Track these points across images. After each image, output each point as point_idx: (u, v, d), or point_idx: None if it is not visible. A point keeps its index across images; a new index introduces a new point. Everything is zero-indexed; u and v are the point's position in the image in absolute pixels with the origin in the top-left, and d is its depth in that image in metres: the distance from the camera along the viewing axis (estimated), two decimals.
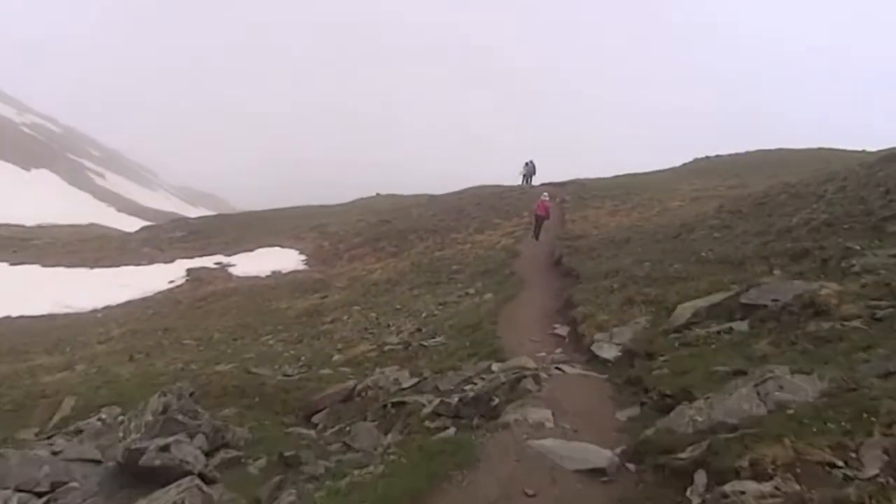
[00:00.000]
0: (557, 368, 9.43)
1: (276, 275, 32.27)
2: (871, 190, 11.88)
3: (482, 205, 37.57)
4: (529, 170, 41.38)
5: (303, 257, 35.49)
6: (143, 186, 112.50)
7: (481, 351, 11.23)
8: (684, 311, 10.19)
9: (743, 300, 9.36)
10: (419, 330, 15.36)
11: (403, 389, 10.17)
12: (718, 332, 9.15)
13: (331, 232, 39.49)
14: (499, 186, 43.61)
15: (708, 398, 6.43)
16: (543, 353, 10.93)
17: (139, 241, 41.27)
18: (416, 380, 10.39)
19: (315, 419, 10.11)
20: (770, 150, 40.65)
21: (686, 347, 9.10)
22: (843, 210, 11.41)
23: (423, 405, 9.01)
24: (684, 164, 42.44)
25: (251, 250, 38.01)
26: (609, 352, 9.88)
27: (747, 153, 40.98)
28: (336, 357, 14.36)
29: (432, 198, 44.51)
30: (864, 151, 33.44)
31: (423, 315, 18.73)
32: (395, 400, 9.43)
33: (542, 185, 39.83)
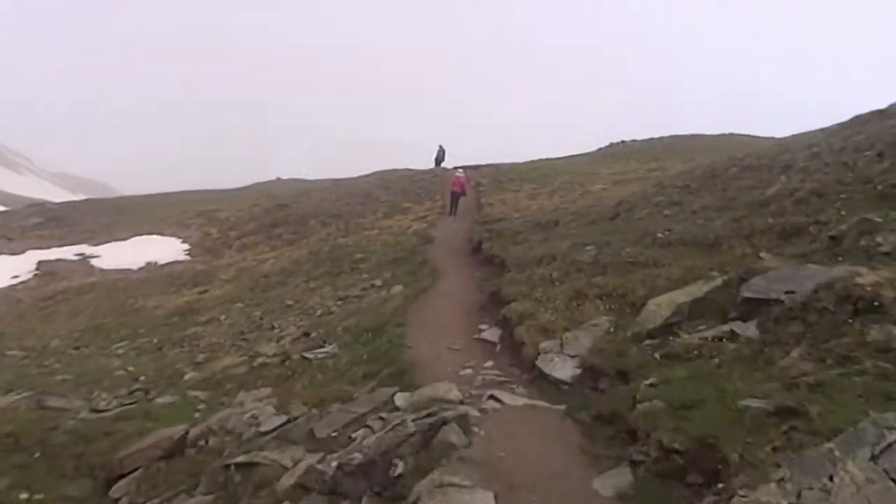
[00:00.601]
0: (493, 398, 6.30)
1: (150, 267, 27.26)
2: (856, 155, 9.73)
3: (391, 188, 34.10)
4: (440, 154, 38.53)
5: (185, 247, 30.52)
6: (10, 170, 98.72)
7: (383, 369, 7.90)
8: (658, 308, 7.37)
9: (746, 293, 6.63)
10: (306, 335, 11.80)
11: (263, 435, 6.66)
12: (716, 339, 6.37)
13: (220, 218, 34.57)
14: (409, 170, 40.32)
15: (781, 479, 3.50)
16: (469, 370, 7.78)
17: None
18: (282, 419, 6.90)
19: (115, 490, 6.39)
20: (684, 136, 40.00)
21: (674, 362, 6.25)
22: (832, 178, 9.12)
23: (285, 469, 5.58)
24: (599, 149, 41.05)
25: (124, 239, 32.43)
26: (563, 369, 6.87)
27: (662, 138, 40.13)
28: (189, 375, 10.52)
29: (337, 181, 40.51)
30: (772, 138, 33.07)
31: (318, 313, 15.15)
32: (241, 460, 5.91)
33: (456, 168, 36.93)
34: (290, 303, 17.47)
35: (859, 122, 12.24)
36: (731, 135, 38.86)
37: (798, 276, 6.63)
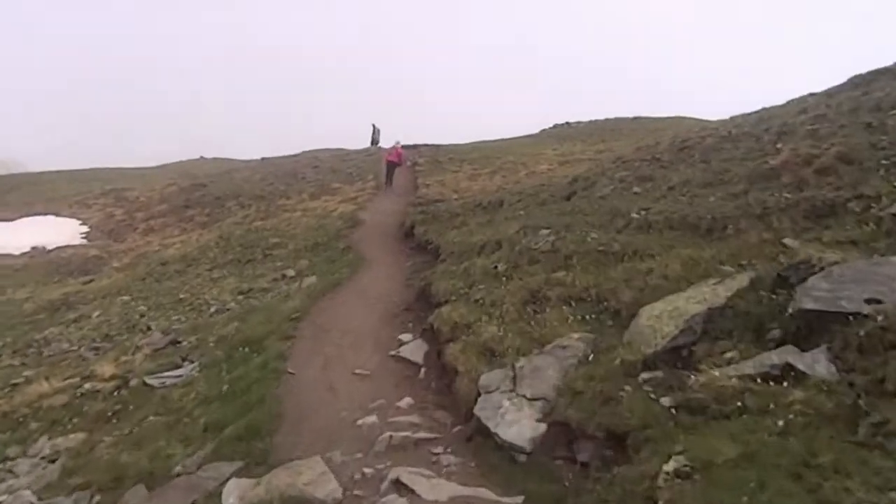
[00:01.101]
0: (400, 487, 3.56)
1: (35, 252, 22.96)
2: (880, 115, 7.52)
3: (321, 168, 30.67)
4: (375, 133, 35.37)
5: (84, 229, 26.24)
6: None
7: (235, 418, 4.99)
8: (658, 321, 4.79)
9: (804, 302, 4.12)
10: (174, 343, 8.70)
11: None
12: (765, 379, 3.83)
13: (129, 198, 30.23)
14: (341, 149, 36.89)
15: None
16: (373, 417, 4.98)
17: None
18: None
19: None
20: (627, 118, 38.30)
21: (702, 420, 3.68)
22: (859, 141, 6.83)
23: None
24: (542, 131, 38.86)
25: (11, 220, 27.72)
26: (517, 424, 4.17)
27: (606, 120, 38.25)
28: None
29: (263, 160, 36.59)
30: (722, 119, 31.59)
31: (211, 311, 11.98)
32: None
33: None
34: (182, 296, 14.18)
35: (862, 81, 10.17)
36: (680, 117, 37.42)
37: (879, 273, 4.16)
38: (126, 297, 15.28)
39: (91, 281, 18.11)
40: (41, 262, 21.41)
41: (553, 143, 34.11)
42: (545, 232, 9.01)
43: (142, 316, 12.74)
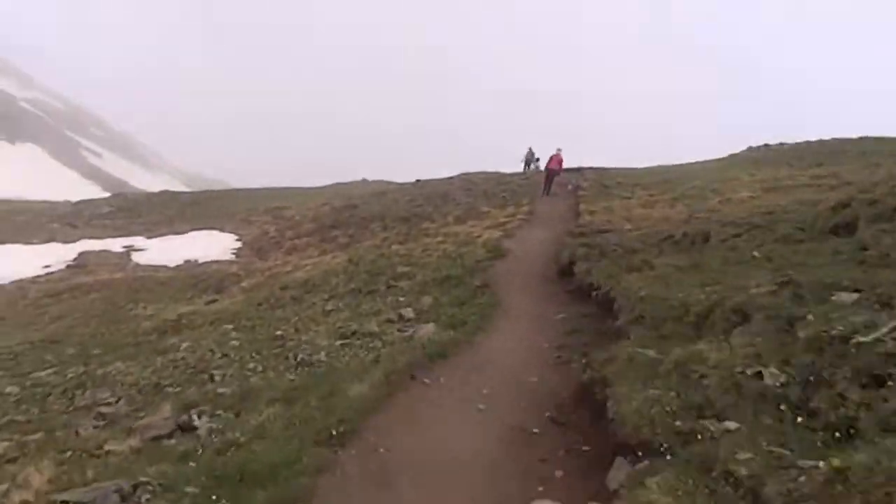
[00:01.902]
0: None
1: (186, 265, 22.51)
2: None
3: (473, 190, 27.40)
4: (529, 155, 31.37)
5: (237, 245, 25.72)
6: (143, 168, 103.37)
7: None
8: None
9: None
10: (186, 429, 5.45)
11: None
12: None
13: (286, 216, 29.69)
14: (497, 172, 33.36)
15: None
16: None
17: (55, 216, 31.84)
18: None
19: None
20: (850, 139, 29.95)
21: None
22: None
23: None
24: (732, 155, 31.93)
25: (182, 233, 28.37)
26: None
27: (821, 141, 30.28)
28: None
29: (418, 182, 34.46)
30: None
31: (293, 359, 8.82)
32: None
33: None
34: (281, 332, 11.32)
35: None
36: None
37: None
38: (229, 326, 12.93)
39: (214, 301, 16.38)
40: (185, 276, 20.58)
41: (748, 167, 27.30)
42: (850, 298, 4.22)
43: (222, 356, 9.99)
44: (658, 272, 8.07)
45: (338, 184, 42.57)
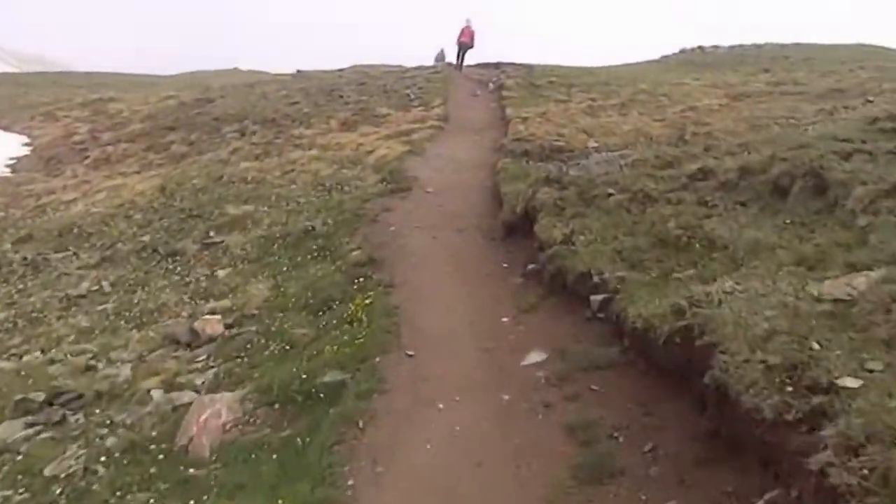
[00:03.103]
0: None
1: None
2: None
3: (368, 86, 20.64)
4: (440, 55, 24.81)
5: (23, 151, 17.55)
6: None
7: None
8: None
9: None
10: None
11: None
12: None
13: (109, 111, 21.28)
14: (400, 67, 26.28)
15: None
16: None
17: None
18: None
19: None
20: (786, 44, 26.26)
21: None
22: None
23: None
24: (665, 57, 27.35)
25: None
26: None
27: (757, 45, 26.35)
28: None
29: (299, 73, 26.71)
30: None
31: None
32: None
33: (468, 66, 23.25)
34: None
35: None
36: (860, 45, 25.26)
37: None
38: None
39: None
40: None
41: (689, 71, 22.84)
42: None
43: None
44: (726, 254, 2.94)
45: (198, 71, 33.23)
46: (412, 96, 18.07)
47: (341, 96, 18.98)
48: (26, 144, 17.95)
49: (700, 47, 27.24)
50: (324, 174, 9.61)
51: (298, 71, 27.58)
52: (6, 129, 19.47)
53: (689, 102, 15.64)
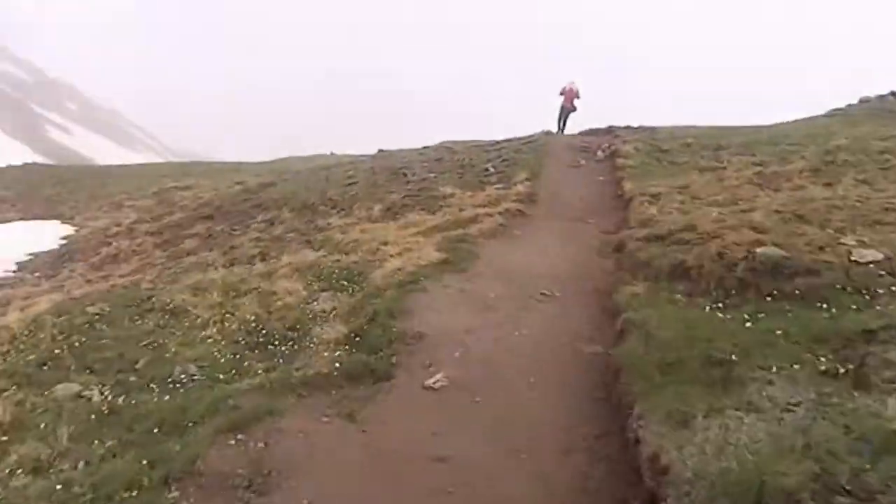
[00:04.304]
0: None
1: None
2: None
3: (444, 160, 16.44)
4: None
5: (52, 245, 15.31)
6: (122, 146, 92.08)
7: None
8: None
9: None
10: None
11: None
12: None
13: (173, 199, 19.27)
14: (494, 142, 21.65)
15: None
16: None
17: None
18: None
19: None
20: None
21: None
22: None
23: None
24: (834, 111, 20.60)
25: (7, 221, 18.10)
26: None
27: None
28: None
29: (380, 153, 23.49)
30: None
31: None
32: None
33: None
34: None
35: None
36: None
37: None
38: None
39: None
40: None
41: (880, 123, 16.08)
42: None
43: None
44: None
45: (290, 157, 31.81)
46: (491, 170, 13.48)
47: (405, 175, 14.89)
48: (64, 237, 15.77)
49: (893, 93, 20.12)
50: (260, 317, 5.05)
51: (380, 150, 24.50)
52: (64, 218, 17.76)
53: None
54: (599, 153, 13.93)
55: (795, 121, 19.50)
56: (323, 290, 5.87)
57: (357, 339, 4.01)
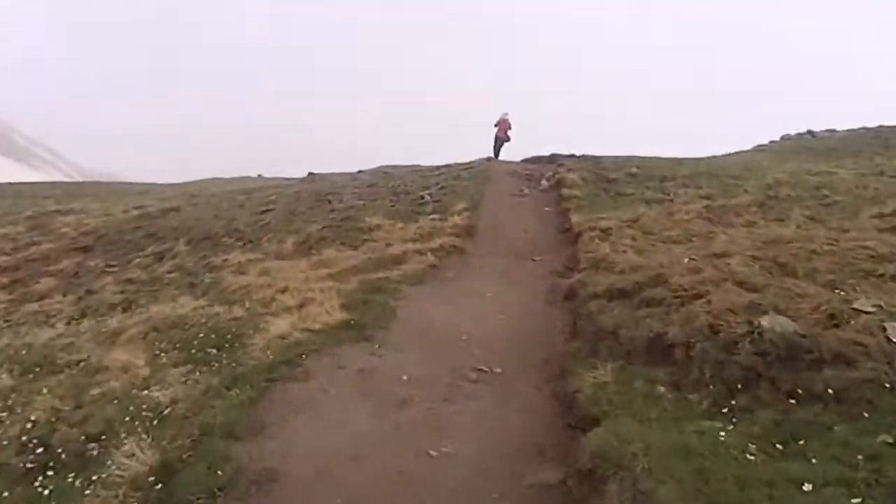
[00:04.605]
0: None
1: None
2: None
3: (378, 187, 14.87)
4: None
5: None
6: (19, 163, 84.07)
7: None
8: None
9: None
10: None
11: None
12: None
13: (53, 227, 16.52)
14: (434, 167, 20.13)
15: None
16: None
17: None
18: None
19: None
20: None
21: None
22: None
23: None
24: (766, 144, 20.82)
25: None
26: None
27: (870, 130, 19.19)
28: None
29: (310, 176, 21.59)
30: None
31: None
32: None
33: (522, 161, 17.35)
34: None
35: None
36: None
37: None
38: None
39: None
40: None
41: (820, 159, 16.08)
42: None
43: None
44: None
45: (212, 179, 29.29)
46: (427, 198, 12.07)
47: (329, 202, 13.22)
48: None
49: (810, 132, 20.61)
50: (55, 417, 3.31)
51: (310, 173, 22.61)
52: None
53: (863, 207, 8.77)
54: (544, 182, 12.87)
55: (727, 154, 19.48)
56: (176, 366, 4.15)
57: (166, 481, 2.35)
